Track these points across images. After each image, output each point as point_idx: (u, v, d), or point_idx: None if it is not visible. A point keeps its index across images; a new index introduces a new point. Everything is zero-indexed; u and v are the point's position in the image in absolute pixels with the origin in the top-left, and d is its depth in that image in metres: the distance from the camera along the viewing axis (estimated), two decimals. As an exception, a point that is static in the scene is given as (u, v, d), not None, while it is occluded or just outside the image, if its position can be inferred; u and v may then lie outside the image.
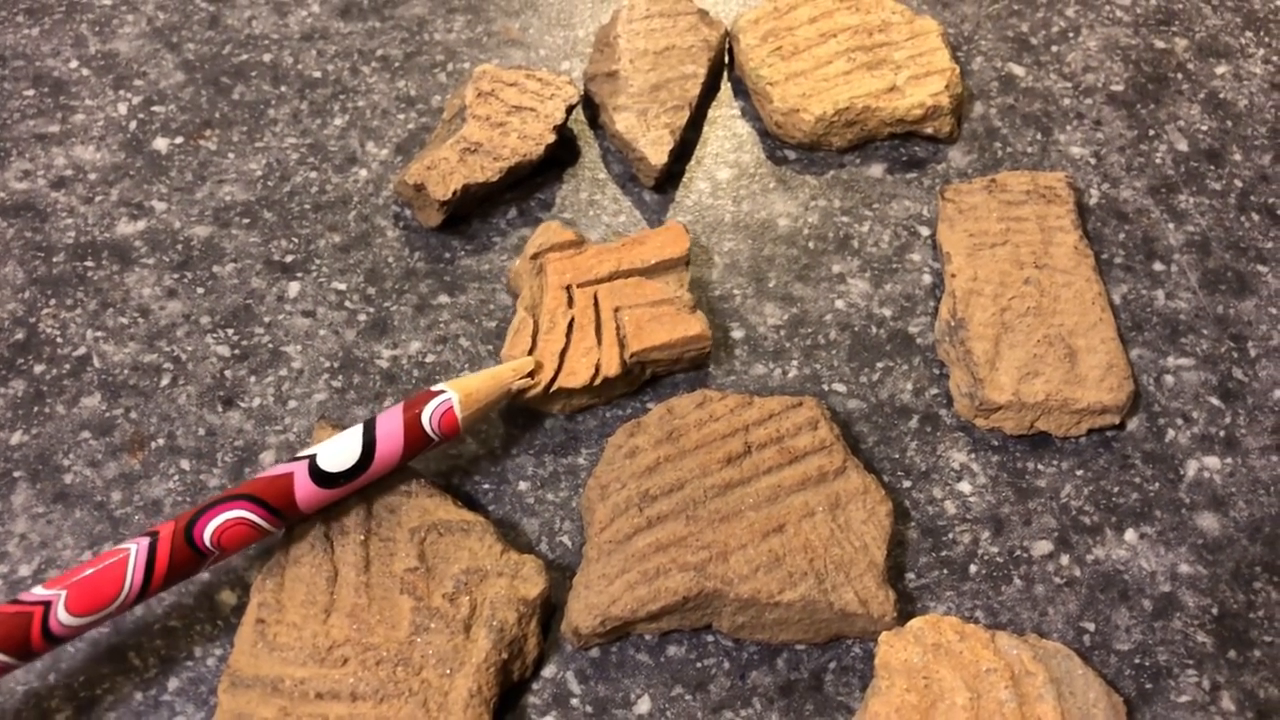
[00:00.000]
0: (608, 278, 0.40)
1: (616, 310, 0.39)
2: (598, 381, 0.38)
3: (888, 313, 0.42)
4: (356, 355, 0.41)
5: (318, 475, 0.34)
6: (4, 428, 0.39)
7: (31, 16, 0.50)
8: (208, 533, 0.33)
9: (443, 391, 0.36)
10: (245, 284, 0.42)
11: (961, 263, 0.41)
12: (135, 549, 0.32)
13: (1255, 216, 0.45)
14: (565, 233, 0.41)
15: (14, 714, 0.33)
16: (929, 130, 0.46)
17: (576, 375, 0.38)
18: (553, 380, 0.38)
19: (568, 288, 0.40)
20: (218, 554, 0.33)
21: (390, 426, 0.35)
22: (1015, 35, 0.50)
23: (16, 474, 0.38)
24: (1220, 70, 0.49)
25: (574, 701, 0.34)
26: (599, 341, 0.39)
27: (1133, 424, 0.39)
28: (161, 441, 0.39)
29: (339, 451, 0.34)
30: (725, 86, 0.49)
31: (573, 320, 0.39)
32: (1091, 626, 0.35)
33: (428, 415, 0.35)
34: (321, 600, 0.34)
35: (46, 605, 0.31)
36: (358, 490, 0.35)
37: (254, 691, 0.32)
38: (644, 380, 0.40)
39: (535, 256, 0.41)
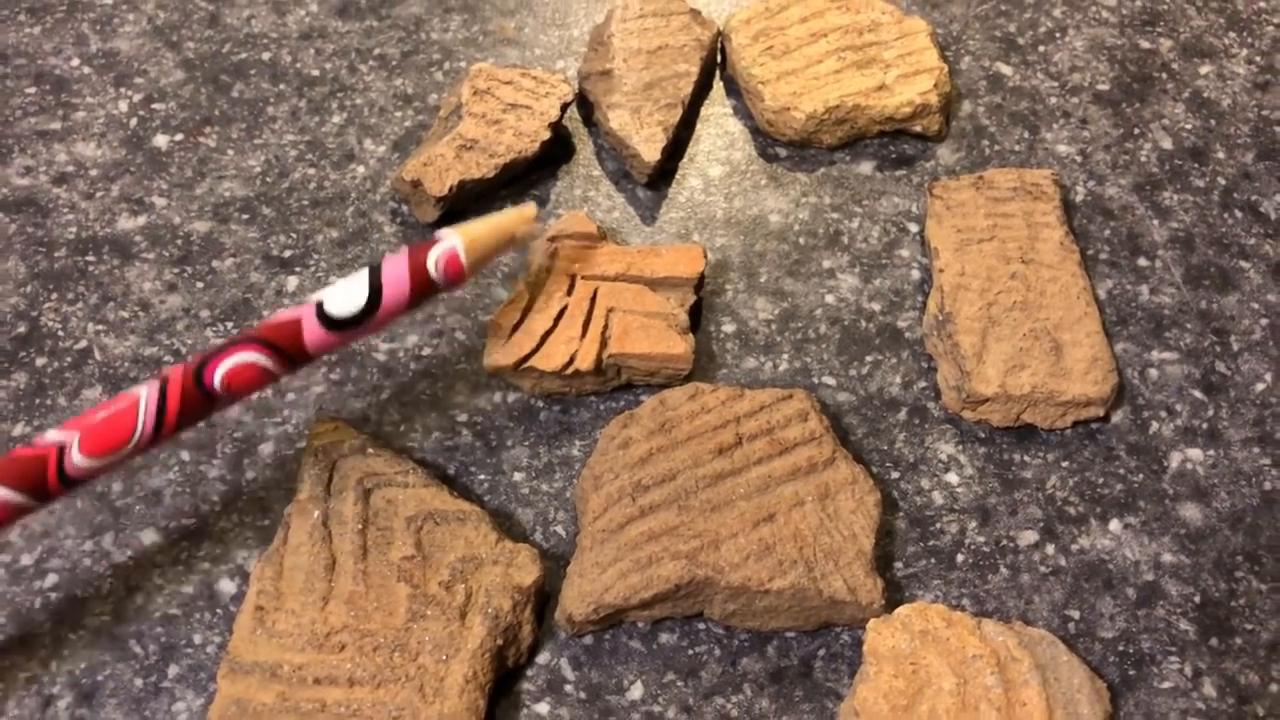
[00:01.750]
0: (613, 278, 0.41)
1: (610, 310, 0.40)
2: (569, 371, 0.39)
3: (877, 307, 0.43)
4: (354, 349, 0.41)
5: (325, 319, 0.34)
6: (6, 420, 0.39)
7: (33, 15, 0.50)
8: (218, 376, 0.33)
9: (446, 238, 0.36)
10: (244, 278, 0.43)
11: (949, 258, 0.42)
12: (146, 392, 0.32)
13: (1238, 213, 0.45)
14: (589, 224, 0.42)
15: (16, 700, 0.34)
16: (918, 128, 0.47)
17: (550, 359, 0.39)
18: (527, 356, 0.39)
19: (572, 276, 0.40)
20: (227, 397, 0.33)
21: (396, 271, 0.35)
22: (1003, 35, 0.51)
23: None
24: (1204, 70, 0.50)
25: (568, 688, 0.34)
26: (583, 334, 0.39)
27: (1117, 416, 0.40)
28: (162, 433, 0.39)
29: (346, 296, 0.34)
30: (717, 85, 0.49)
31: (566, 307, 0.40)
32: (1076, 614, 0.36)
33: (433, 260, 0.35)
34: (320, 588, 0.34)
35: (61, 448, 0.31)
36: (363, 336, 0.35)
37: (253, 677, 0.33)
38: (617, 384, 0.40)
39: (553, 239, 0.42)
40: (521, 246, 0.39)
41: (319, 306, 0.34)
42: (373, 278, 0.35)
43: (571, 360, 0.39)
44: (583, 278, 0.41)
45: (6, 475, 0.31)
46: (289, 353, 0.34)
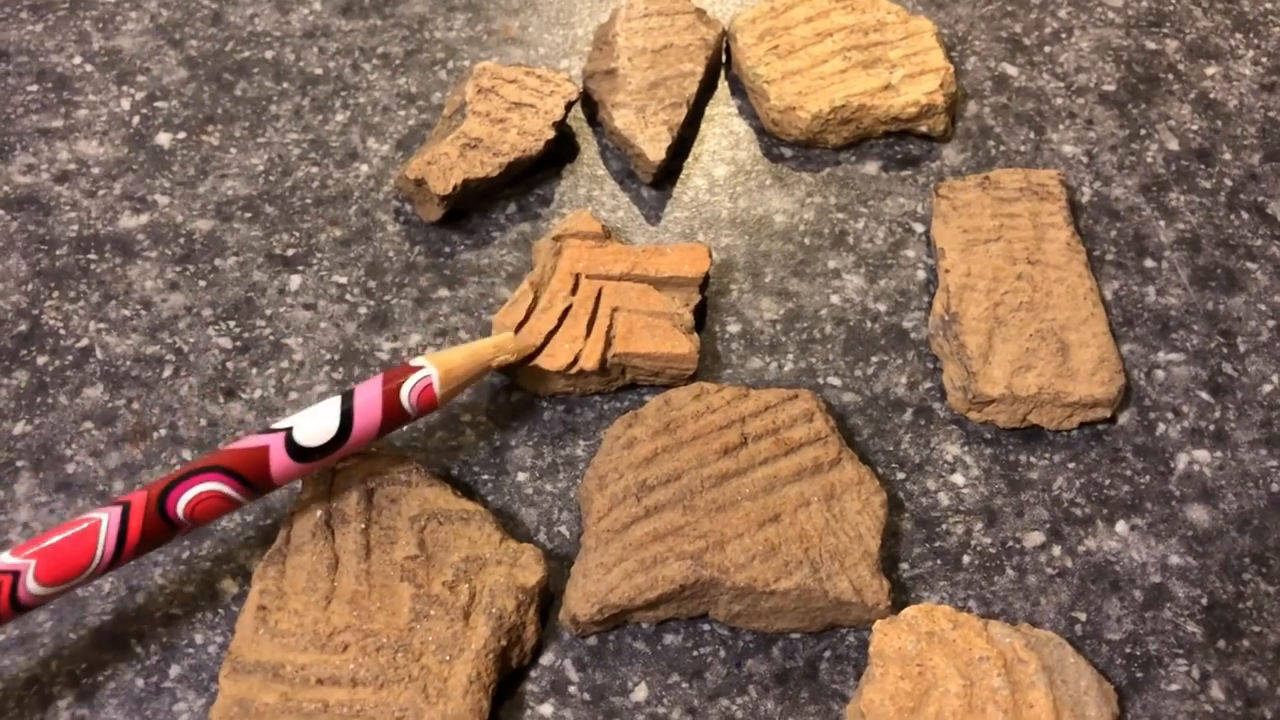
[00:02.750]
0: (618, 277, 0.40)
1: (615, 310, 0.40)
2: (573, 370, 0.39)
3: (882, 308, 0.42)
4: (357, 348, 0.41)
5: (294, 449, 0.34)
6: (7, 418, 0.39)
7: (35, 13, 0.50)
8: (180, 505, 0.32)
9: (422, 367, 0.36)
10: (247, 277, 0.43)
11: (955, 258, 0.41)
12: (107, 519, 0.32)
13: (1244, 214, 0.45)
14: (594, 223, 0.42)
15: (16, 700, 0.34)
16: (923, 128, 0.46)
17: (555, 359, 0.39)
18: (531, 356, 0.38)
19: (577, 275, 0.40)
20: (189, 525, 0.33)
21: (368, 401, 0.35)
22: (1009, 36, 0.51)
23: (20, 463, 0.38)
24: (1210, 71, 0.50)
25: (572, 689, 0.34)
26: (587, 334, 0.39)
27: (1124, 418, 0.40)
28: (163, 432, 0.39)
29: (316, 425, 0.34)
30: (722, 85, 0.49)
31: (570, 307, 0.39)
32: (1083, 616, 0.36)
33: (406, 391, 0.35)
34: (322, 587, 0.34)
35: (15, 575, 0.31)
36: (330, 463, 0.35)
37: (255, 677, 0.33)
38: (622, 384, 0.40)
39: (558, 238, 0.41)
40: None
41: (288, 435, 0.34)
42: (344, 407, 0.34)
43: (576, 360, 0.39)
44: (587, 277, 0.40)
45: None
46: (254, 481, 0.33)
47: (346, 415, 0.34)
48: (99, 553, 0.32)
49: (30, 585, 0.31)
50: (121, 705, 0.34)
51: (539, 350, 0.39)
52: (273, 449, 0.34)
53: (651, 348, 0.39)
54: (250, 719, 0.32)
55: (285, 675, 0.33)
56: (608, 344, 0.39)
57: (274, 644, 0.33)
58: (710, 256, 0.41)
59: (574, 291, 0.40)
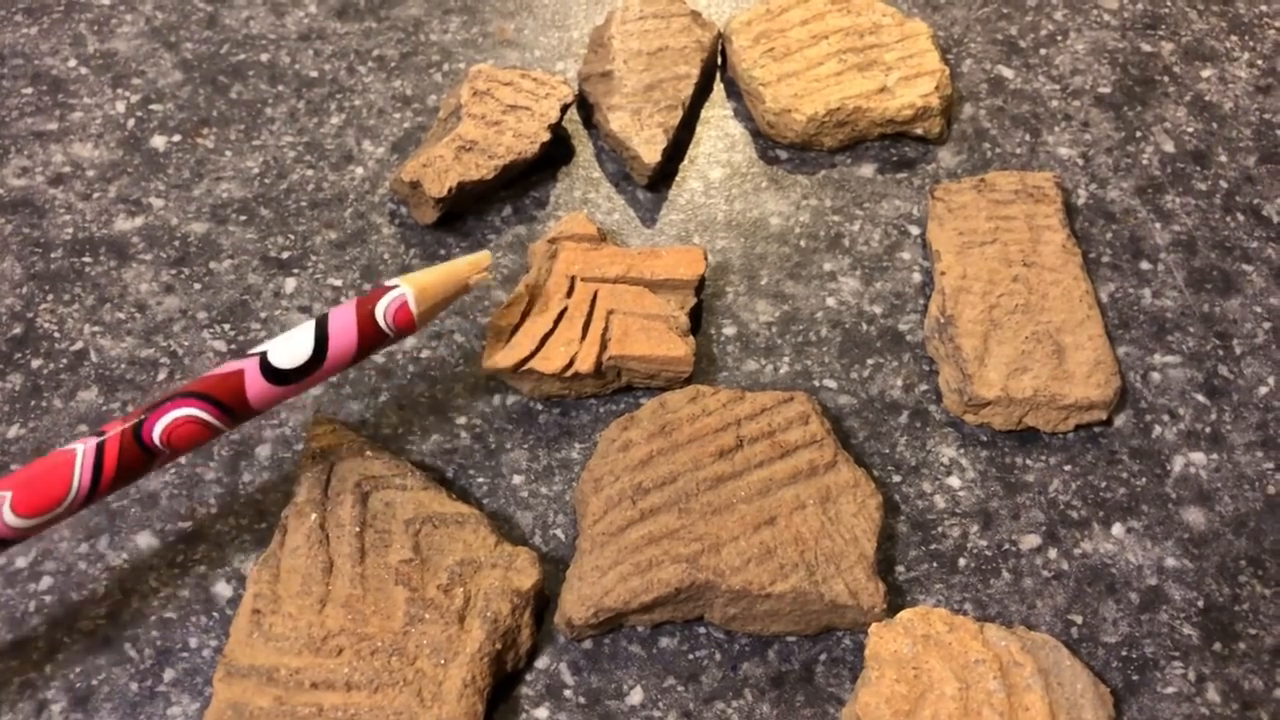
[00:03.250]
0: (613, 280, 0.40)
1: (610, 312, 0.40)
2: (569, 373, 0.38)
3: (878, 310, 0.42)
4: (352, 350, 0.41)
5: (269, 372, 0.33)
6: (1, 421, 0.39)
7: (30, 16, 0.50)
8: (157, 431, 0.32)
9: (396, 286, 0.36)
10: (242, 280, 0.43)
11: (951, 260, 0.41)
12: (83, 449, 0.31)
13: (1240, 216, 0.45)
14: (589, 226, 0.42)
15: (10, 704, 0.34)
16: (919, 131, 0.46)
17: (550, 361, 0.38)
18: (527, 358, 0.38)
19: (572, 278, 0.40)
20: (167, 453, 0.32)
21: (343, 322, 0.34)
22: (1004, 38, 0.51)
23: (14, 467, 0.38)
24: (1206, 73, 0.50)
25: (567, 692, 0.34)
26: (583, 336, 0.39)
27: (1120, 420, 0.40)
28: (158, 435, 0.39)
29: (291, 347, 0.34)
30: (718, 87, 0.49)
31: (565, 309, 0.39)
32: (1079, 619, 0.36)
33: (381, 310, 0.35)
34: (317, 591, 0.34)
35: None
36: (310, 387, 0.35)
37: (249, 681, 0.33)
38: (618, 386, 0.40)
39: (554, 240, 0.41)
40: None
41: (263, 358, 0.33)
42: (319, 329, 0.34)
43: (571, 362, 0.38)
44: (582, 279, 0.40)
45: None
46: (231, 407, 0.33)
47: (321, 336, 0.34)
48: (76, 482, 0.31)
49: (8, 517, 0.31)
50: (116, 709, 0.34)
51: (535, 353, 0.39)
52: (248, 373, 0.33)
53: (647, 350, 0.39)
54: (244, 723, 0.32)
55: (280, 679, 0.33)
56: (603, 347, 0.39)
57: (268, 647, 0.33)
58: (706, 259, 0.41)
59: (569, 294, 0.40)
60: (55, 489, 0.31)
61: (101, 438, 0.32)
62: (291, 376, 0.34)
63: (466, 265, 0.37)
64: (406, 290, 0.36)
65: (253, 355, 0.34)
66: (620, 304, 0.40)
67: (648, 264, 0.41)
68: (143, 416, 0.32)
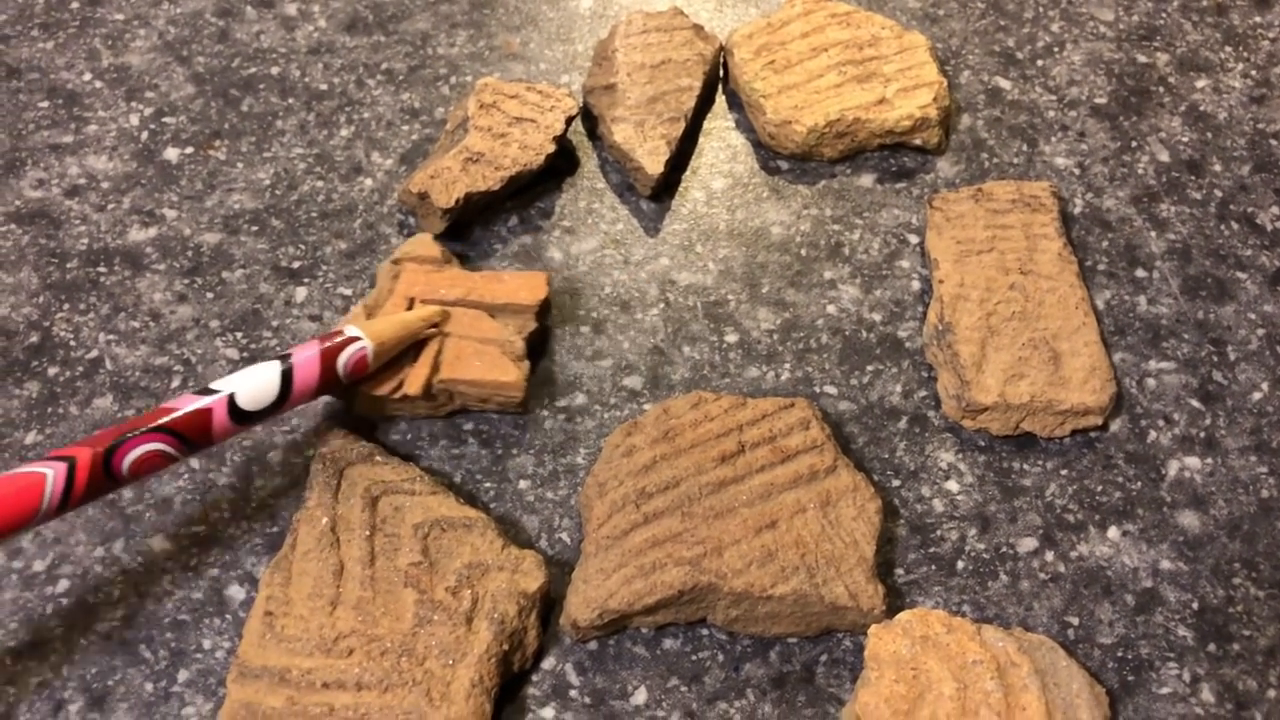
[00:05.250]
0: (453, 302, 0.41)
1: (445, 335, 0.40)
2: (397, 396, 0.39)
3: (878, 317, 0.43)
4: (361, 358, 0.42)
5: (235, 412, 0.35)
6: (19, 428, 0.40)
7: (46, 31, 0.51)
8: (126, 464, 0.33)
9: (359, 339, 0.37)
10: (254, 289, 0.43)
11: (949, 269, 0.42)
12: (53, 474, 0.33)
13: (1234, 225, 0.46)
14: (434, 248, 0.42)
15: (28, 705, 0.34)
16: (918, 141, 0.47)
17: (380, 384, 0.39)
18: (360, 380, 0.39)
19: (412, 299, 0.40)
20: (130, 480, 0.34)
21: (307, 370, 0.36)
22: (1001, 50, 0.52)
23: (31, 473, 0.39)
24: (1201, 84, 0.51)
25: (573, 693, 0.35)
26: (414, 359, 0.39)
27: (1115, 425, 0.40)
28: (172, 441, 0.40)
29: (259, 392, 0.35)
30: (720, 99, 0.50)
31: None
32: (1075, 621, 0.36)
33: (343, 361, 0.37)
34: (328, 593, 0.35)
35: None
36: (262, 422, 0.37)
37: (262, 682, 0.33)
38: (452, 409, 0.40)
39: (397, 261, 0.42)
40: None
41: (231, 400, 0.35)
42: (284, 374, 0.36)
43: (399, 385, 0.39)
44: (421, 301, 0.40)
45: None
46: (195, 441, 0.35)
47: (286, 382, 0.36)
48: (45, 502, 0.32)
49: None
50: (131, 709, 0.34)
51: (371, 375, 0.39)
52: (216, 412, 0.35)
53: (478, 375, 0.39)
54: (257, 722, 0.33)
55: (291, 679, 0.33)
56: (435, 369, 0.39)
57: (280, 649, 0.34)
58: (549, 284, 0.41)
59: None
60: (25, 508, 0.32)
61: (71, 464, 0.33)
62: (254, 417, 0.36)
63: (419, 320, 0.39)
64: (368, 345, 0.37)
65: (221, 396, 0.35)
66: (457, 328, 0.40)
67: (489, 288, 0.41)
68: (112, 447, 0.33)
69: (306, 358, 0.36)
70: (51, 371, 0.41)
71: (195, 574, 0.37)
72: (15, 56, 0.50)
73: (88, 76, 0.50)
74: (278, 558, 0.36)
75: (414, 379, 0.39)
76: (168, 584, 0.37)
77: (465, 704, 0.33)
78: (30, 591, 0.36)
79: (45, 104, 0.49)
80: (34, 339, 0.42)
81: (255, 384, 0.35)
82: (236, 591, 0.37)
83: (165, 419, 0.34)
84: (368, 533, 0.36)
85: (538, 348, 0.42)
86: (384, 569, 0.35)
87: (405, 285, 0.41)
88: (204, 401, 0.35)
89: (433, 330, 0.39)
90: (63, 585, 0.37)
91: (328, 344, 0.37)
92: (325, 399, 0.40)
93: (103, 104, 0.49)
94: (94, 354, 0.41)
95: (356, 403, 0.39)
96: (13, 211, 0.45)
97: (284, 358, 0.36)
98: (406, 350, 0.39)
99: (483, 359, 0.39)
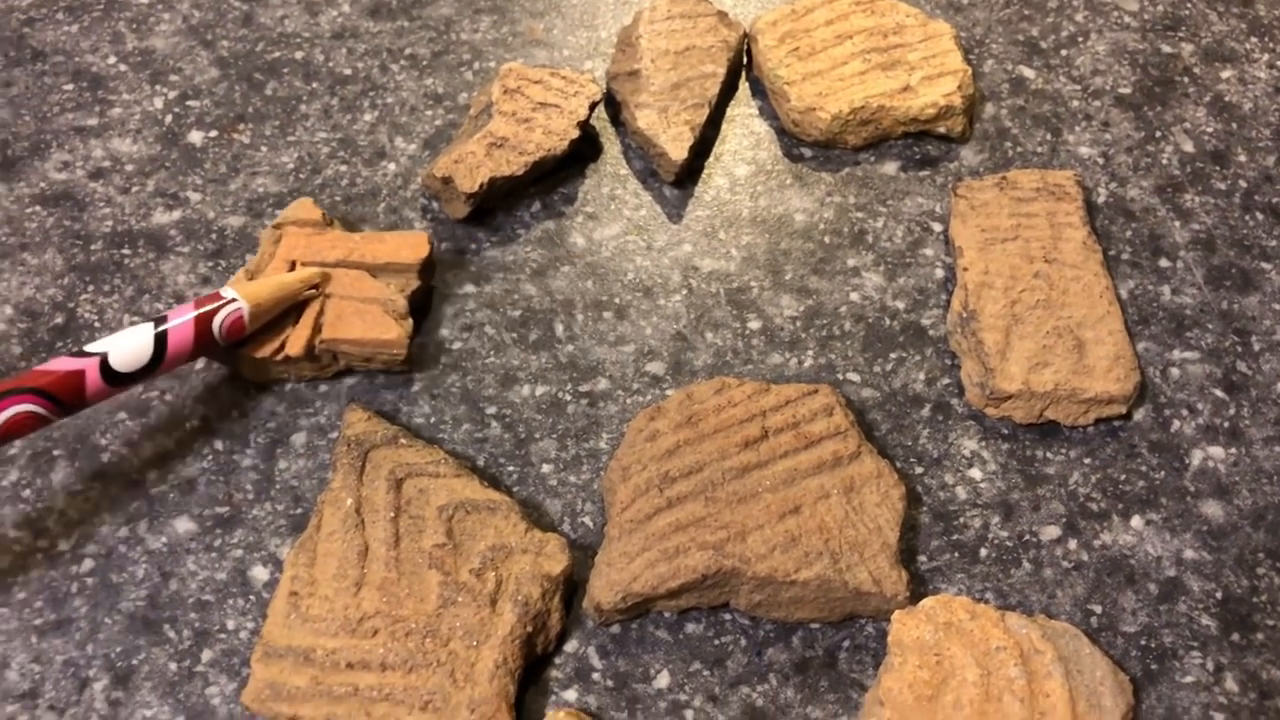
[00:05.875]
0: (334, 264, 0.41)
1: (327, 296, 0.40)
2: (279, 357, 0.39)
3: (901, 305, 0.43)
4: (385, 341, 0.42)
5: (108, 373, 0.35)
6: (44, 408, 0.40)
7: (71, 14, 0.51)
8: None
9: (235, 300, 0.37)
10: (277, 272, 0.43)
11: (973, 256, 0.42)
12: None
13: (1259, 215, 0.46)
14: (315, 211, 0.42)
15: (53, 683, 0.34)
16: (941, 129, 0.47)
17: (262, 346, 0.39)
18: (242, 343, 0.39)
19: (293, 262, 0.41)
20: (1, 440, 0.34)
21: (182, 332, 0.36)
22: (1026, 39, 0.52)
23: (56, 453, 0.39)
24: (1225, 74, 0.51)
25: (595, 675, 0.35)
26: (296, 320, 0.40)
27: (1139, 414, 0.40)
28: (196, 423, 0.40)
29: (132, 354, 0.36)
30: (744, 86, 0.50)
31: None
32: (1098, 609, 0.36)
33: (218, 322, 0.37)
34: (352, 574, 0.35)
35: None
36: (137, 385, 0.37)
37: (286, 661, 0.33)
38: (337, 369, 0.41)
39: (279, 225, 0.42)
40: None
41: (104, 360, 0.35)
42: (159, 336, 0.36)
43: (281, 346, 0.39)
44: (303, 263, 0.41)
45: None
46: (67, 403, 0.35)
47: (160, 344, 0.36)
48: None
49: None
50: (155, 688, 0.34)
51: (251, 337, 0.39)
52: (89, 374, 0.35)
53: (360, 334, 0.39)
54: (281, 701, 0.33)
55: (316, 659, 0.33)
56: (316, 330, 0.39)
57: (305, 629, 0.34)
58: (430, 243, 0.42)
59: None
60: None
61: None
62: (128, 379, 0.36)
63: (297, 281, 0.39)
64: (244, 306, 0.37)
65: (93, 356, 0.35)
66: (338, 288, 0.40)
67: (370, 248, 0.41)
68: None
69: (181, 319, 0.36)
70: (76, 352, 0.41)
71: (219, 555, 0.37)
72: (41, 39, 0.50)
73: (112, 60, 0.50)
74: (302, 539, 0.36)
75: (295, 340, 0.39)
76: (192, 565, 0.37)
77: (489, 685, 0.33)
78: (56, 570, 0.37)
79: (70, 87, 0.49)
80: (59, 320, 0.42)
81: (129, 346, 0.36)
82: (260, 572, 0.37)
83: (36, 381, 0.34)
84: (392, 514, 0.36)
85: (422, 306, 0.43)
86: (408, 550, 0.35)
87: (286, 249, 0.41)
88: (76, 363, 0.35)
89: (312, 292, 0.39)
90: (87, 565, 0.37)
91: (203, 306, 0.37)
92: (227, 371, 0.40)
93: (127, 87, 0.49)
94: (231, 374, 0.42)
95: (242, 366, 0.40)
96: (38, 193, 0.45)
97: (159, 320, 0.36)
98: (289, 312, 0.40)
99: (364, 318, 0.40)
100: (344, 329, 0.39)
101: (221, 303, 0.37)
